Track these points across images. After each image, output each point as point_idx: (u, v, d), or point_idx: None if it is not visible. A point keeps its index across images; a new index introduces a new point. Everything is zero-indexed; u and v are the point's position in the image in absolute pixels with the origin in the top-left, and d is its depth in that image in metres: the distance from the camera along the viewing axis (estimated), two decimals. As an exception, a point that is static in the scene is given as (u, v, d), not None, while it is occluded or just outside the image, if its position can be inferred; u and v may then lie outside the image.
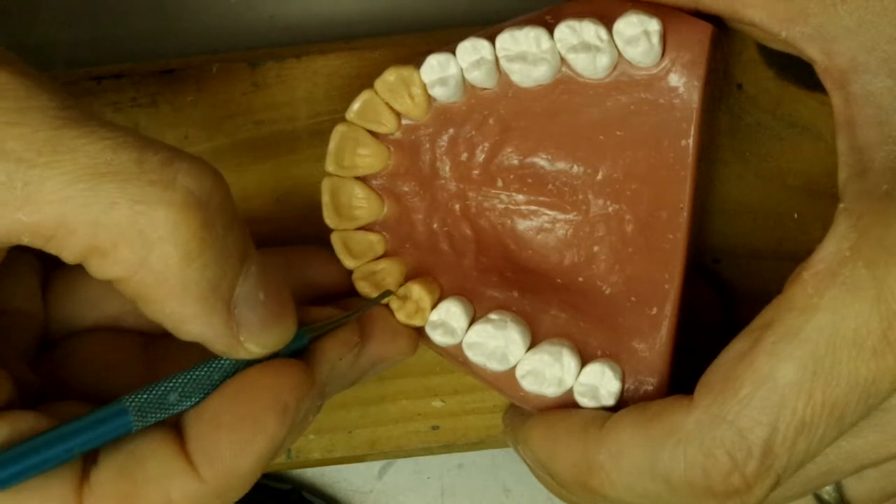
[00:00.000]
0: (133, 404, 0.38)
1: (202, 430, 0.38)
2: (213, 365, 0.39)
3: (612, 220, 0.44)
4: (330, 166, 0.44)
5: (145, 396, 0.38)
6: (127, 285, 0.37)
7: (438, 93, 0.43)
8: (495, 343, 0.43)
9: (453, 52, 0.43)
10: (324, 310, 0.43)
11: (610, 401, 0.43)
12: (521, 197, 0.45)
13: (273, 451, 0.38)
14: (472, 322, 0.44)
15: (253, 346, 0.38)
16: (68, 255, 0.36)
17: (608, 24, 0.42)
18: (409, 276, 0.44)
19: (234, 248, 0.37)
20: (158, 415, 0.38)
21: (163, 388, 0.38)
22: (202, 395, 0.39)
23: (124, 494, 0.37)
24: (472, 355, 0.44)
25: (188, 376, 0.39)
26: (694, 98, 0.42)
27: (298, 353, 0.40)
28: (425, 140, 0.45)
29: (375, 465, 0.52)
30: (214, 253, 0.36)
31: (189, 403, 0.39)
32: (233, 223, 0.37)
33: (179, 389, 0.38)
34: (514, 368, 0.43)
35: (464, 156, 0.45)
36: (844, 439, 0.40)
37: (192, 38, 0.52)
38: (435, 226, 0.45)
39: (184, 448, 0.38)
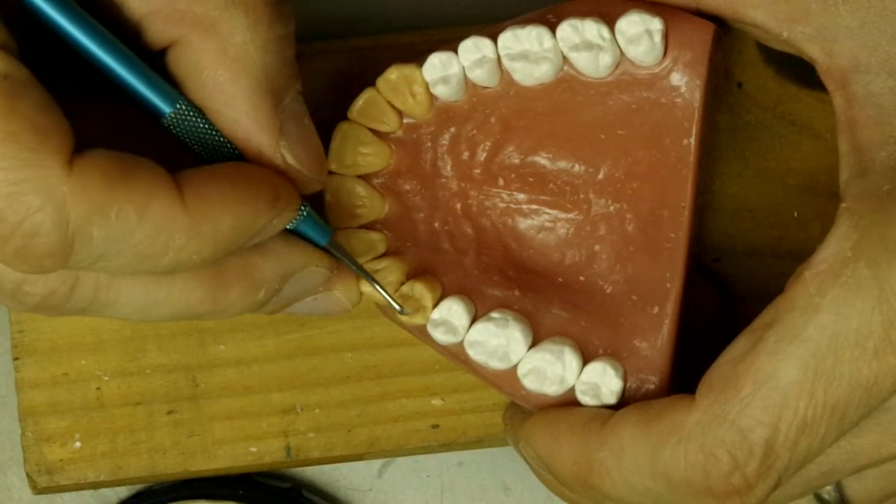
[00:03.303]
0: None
1: (201, 174, 0.37)
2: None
3: (614, 219, 0.44)
4: (332, 165, 0.44)
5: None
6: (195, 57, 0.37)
7: (440, 91, 0.43)
8: (497, 341, 0.43)
9: (455, 51, 0.42)
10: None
11: (611, 399, 0.43)
12: (522, 196, 0.45)
13: (245, 235, 0.37)
14: (473, 320, 0.44)
15: (288, 154, 0.38)
16: None
17: (610, 22, 0.41)
18: (411, 275, 0.44)
19: (293, 60, 0.38)
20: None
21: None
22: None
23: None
24: (474, 354, 0.44)
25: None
26: (696, 97, 0.42)
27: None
28: (427, 139, 0.45)
29: (375, 464, 0.52)
30: (279, 40, 0.37)
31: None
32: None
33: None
34: (515, 367, 0.43)
35: (465, 155, 0.45)
36: (845, 439, 0.40)
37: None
38: (436, 224, 0.45)
39: (178, 184, 0.36)
